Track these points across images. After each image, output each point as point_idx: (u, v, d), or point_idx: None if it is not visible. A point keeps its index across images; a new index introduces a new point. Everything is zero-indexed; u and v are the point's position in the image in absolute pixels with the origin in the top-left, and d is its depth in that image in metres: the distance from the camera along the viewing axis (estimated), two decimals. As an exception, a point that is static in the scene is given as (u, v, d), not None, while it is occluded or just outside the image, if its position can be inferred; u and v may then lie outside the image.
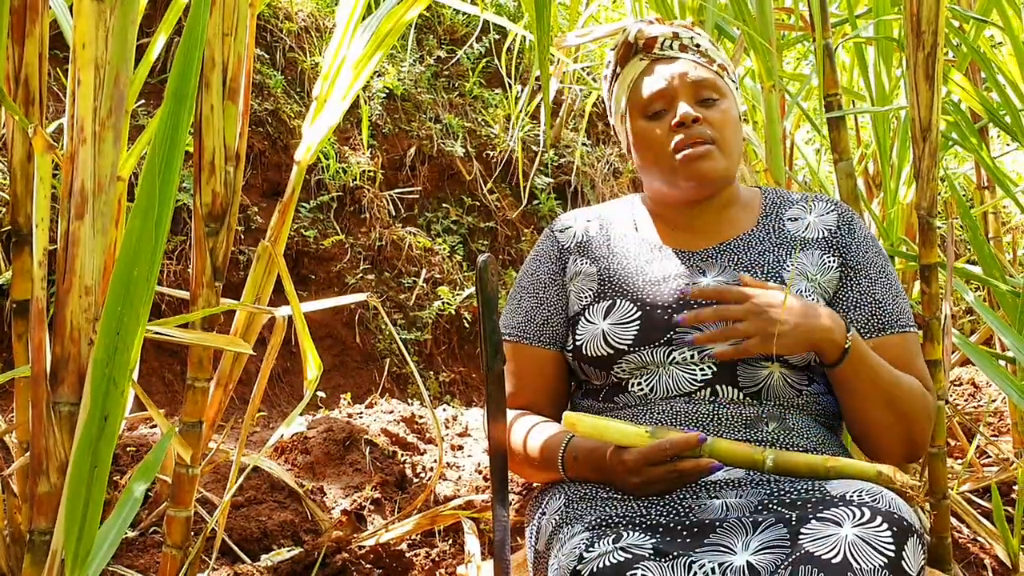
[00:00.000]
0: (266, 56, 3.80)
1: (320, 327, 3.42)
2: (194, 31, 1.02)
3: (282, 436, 1.74)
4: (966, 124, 2.41)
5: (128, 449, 2.22)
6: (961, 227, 4.15)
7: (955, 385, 3.80)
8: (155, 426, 2.46)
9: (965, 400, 3.68)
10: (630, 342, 1.42)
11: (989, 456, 2.96)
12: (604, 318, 1.45)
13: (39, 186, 1.17)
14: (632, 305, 1.44)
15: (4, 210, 2.60)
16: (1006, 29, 2.20)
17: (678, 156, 1.45)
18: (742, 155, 1.56)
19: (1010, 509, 2.21)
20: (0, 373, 1.54)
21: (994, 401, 3.52)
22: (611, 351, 1.43)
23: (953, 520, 2.21)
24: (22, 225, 1.44)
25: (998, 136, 4.12)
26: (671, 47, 1.49)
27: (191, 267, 1.37)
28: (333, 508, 2.14)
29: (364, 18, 1.80)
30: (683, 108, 1.44)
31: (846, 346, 1.35)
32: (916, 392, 1.42)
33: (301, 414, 1.83)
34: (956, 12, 2.30)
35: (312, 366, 1.71)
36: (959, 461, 2.79)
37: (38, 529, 1.04)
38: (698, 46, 1.50)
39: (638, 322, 1.43)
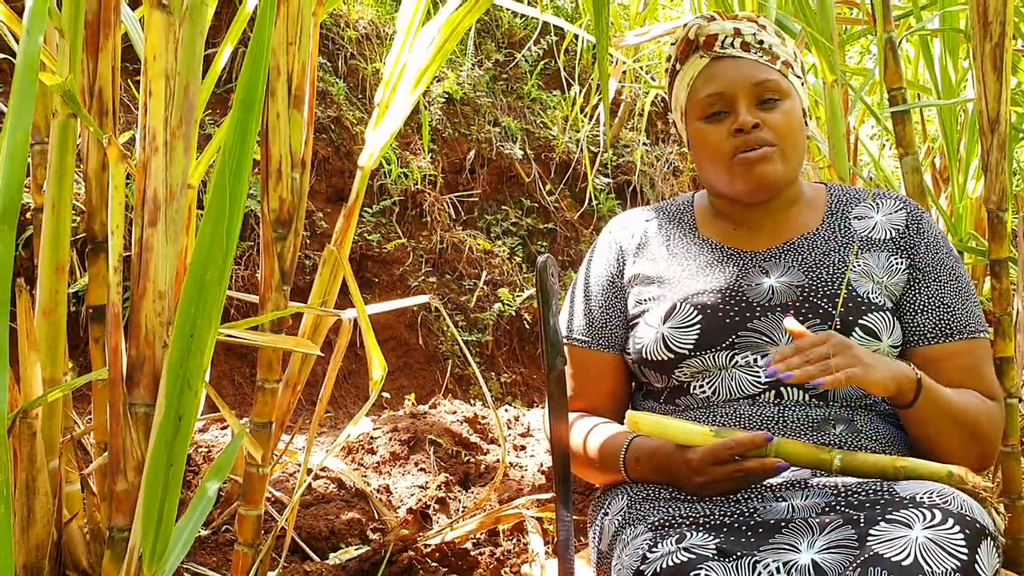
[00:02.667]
0: (328, 64, 3.87)
1: (384, 329, 3.47)
2: (260, 41, 1.04)
3: (349, 436, 1.77)
4: (1038, 115, 2.35)
5: (200, 450, 2.28)
6: (1035, 221, 4.03)
7: (1030, 383, 3.68)
8: (226, 427, 2.52)
9: (1041, 399, 3.56)
10: (691, 346, 1.40)
11: (1067, 456, 2.87)
12: (664, 322, 1.42)
13: (113, 194, 1.21)
14: (693, 309, 1.42)
15: (79, 219, 2.69)
16: (1079, 16, 2.14)
17: (736, 159, 1.42)
18: (805, 153, 1.52)
19: (1090, 511, 2.13)
20: (78, 376, 1.59)
21: (1072, 400, 3.41)
22: (672, 355, 1.41)
23: (1029, 522, 2.14)
24: (97, 232, 1.50)
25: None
26: (732, 45, 1.43)
27: (259, 272, 1.40)
28: (399, 507, 2.17)
29: (424, 24, 1.82)
30: (743, 115, 1.40)
31: (918, 378, 1.29)
32: (984, 411, 1.37)
33: (367, 415, 1.85)
34: (1026, 0, 2.25)
35: (377, 367, 1.73)
36: (1035, 461, 2.71)
37: (117, 526, 1.07)
38: (761, 43, 1.44)
39: (699, 326, 1.40)
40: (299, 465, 2.14)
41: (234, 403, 3.07)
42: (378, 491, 2.20)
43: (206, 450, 2.29)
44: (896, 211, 1.49)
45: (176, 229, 1.05)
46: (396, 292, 3.61)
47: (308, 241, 3.44)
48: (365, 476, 2.31)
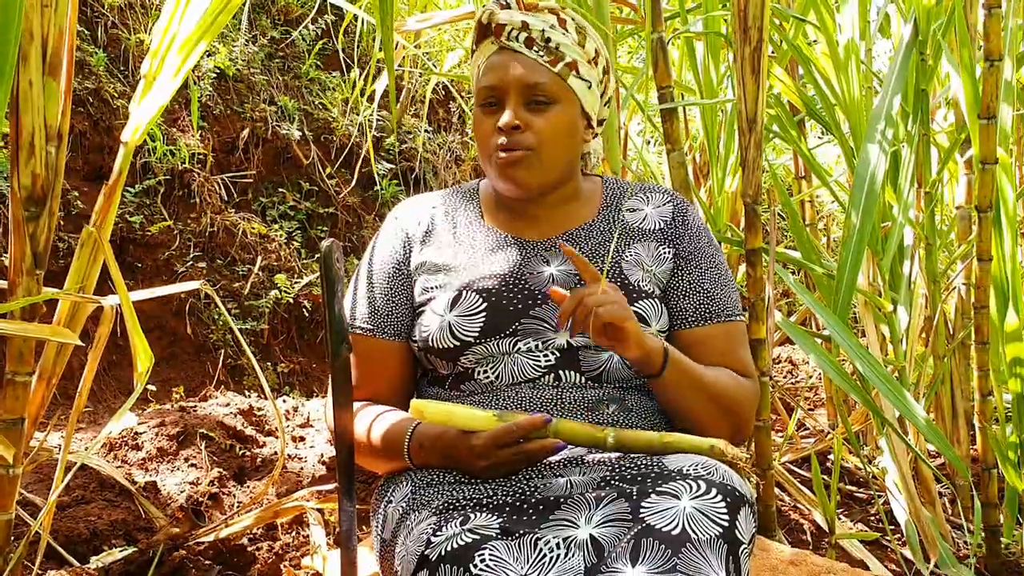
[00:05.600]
0: (87, 32, 3.59)
1: (148, 318, 3.27)
2: (11, 1, 0.95)
3: (111, 432, 1.65)
4: (786, 117, 2.56)
5: (-65, 452, 2.05)
6: (780, 215, 4.41)
7: (775, 363, 4.04)
8: (-34, 426, 2.28)
9: (784, 377, 3.92)
10: (476, 334, 1.42)
11: (807, 428, 3.17)
12: (450, 310, 1.44)
13: None
14: (478, 297, 1.44)
15: None
16: (822, 28, 2.35)
17: (495, 157, 1.45)
18: (578, 155, 1.54)
19: (827, 477, 2.37)
20: None
21: (811, 377, 3.77)
22: (457, 343, 1.42)
23: (776, 489, 2.35)
24: None
25: (811, 128, 4.40)
26: (517, 39, 1.45)
27: (8, 255, 1.28)
28: (168, 505, 2.06)
29: (196, -7, 1.72)
30: (507, 114, 1.43)
31: (664, 347, 1.37)
32: (735, 386, 1.47)
33: (131, 409, 1.74)
34: (777, 11, 2.44)
35: (142, 358, 1.63)
36: (780, 434, 2.97)
37: None
38: (547, 41, 1.45)
39: (484, 314, 1.42)
40: (54, 464, 1.97)
41: (-24, 399, 2.78)
42: (144, 489, 2.08)
43: (-57, 452, 2.06)
44: (664, 204, 1.57)
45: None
46: (161, 278, 3.41)
47: (63, 222, 3.18)
48: (129, 474, 2.17)
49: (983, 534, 2.28)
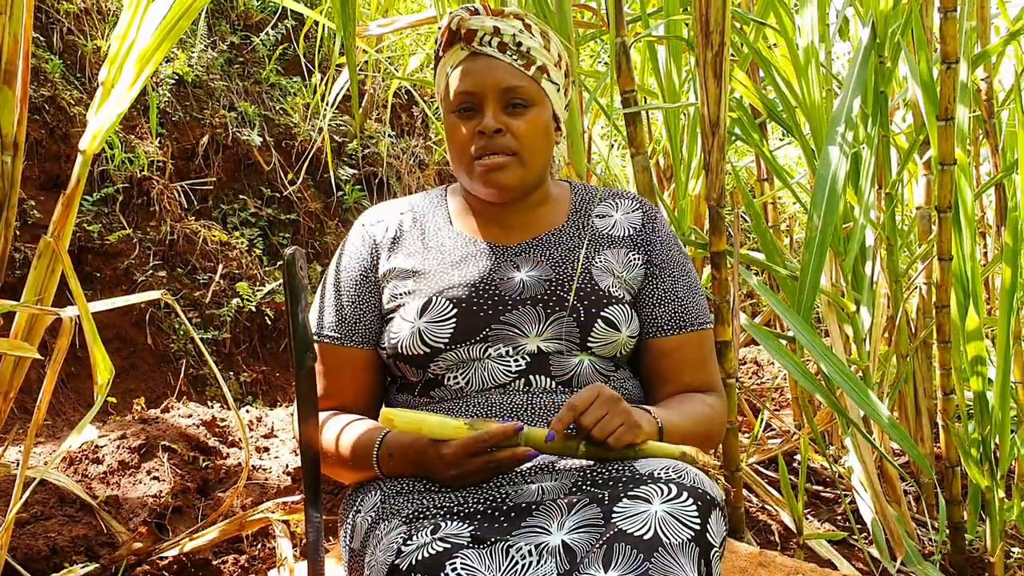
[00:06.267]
0: (42, 39, 3.52)
1: (107, 328, 3.22)
2: (-38, 4, 0.92)
3: (70, 446, 1.62)
4: (748, 120, 2.58)
5: None
6: (744, 217, 4.45)
7: (740, 364, 4.07)
8: (-80, 442, 2.23)
9: (750, 378, 3.95)
10: (447, 340, 1.41)
11: (773, 429, 3.20)
12: (420, 316, 1.43)
13: None
14: (448, 303, 1.43)
15: None
16: (782, 32, 2.37)
17: (477, 163, 1.45)
18: (552, 156, 1.55)
19: (794, 478, 2.39)
20: None
21: (776, 378, 3.80)
22: (428, 350, 1.41)
23: (743, 490, 2.37)
24: None
25: (772, 131, 4.44)
26: (489, 44, 1.45)
27: (-39, 266, 1.24)
28: (131, 519, 2.02)
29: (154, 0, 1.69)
30: (487, 118, 1.43)
31: (660, 426, 1.36)
32: (710, 417, 1.48)
33: (91, 422, 1.70)
34: (737, 14, 2.45)
35: (102, 370, 1.60)
36: (747, 435, 2.99)
37: None
38: (519, 45, 1.45)
39: (454, 320, 1.42)
40: (13, 480, 1.93)
41: (-71, 415, 2.72)
42: (106, 503, 2.04)
43: None
44: (633, 210, 1.58)
45: None
46: (120, 288, 3.35)
47: (19, 232, 3.12)
48: (90, 488, 2.13)
49: (948, 531, 2.31)
